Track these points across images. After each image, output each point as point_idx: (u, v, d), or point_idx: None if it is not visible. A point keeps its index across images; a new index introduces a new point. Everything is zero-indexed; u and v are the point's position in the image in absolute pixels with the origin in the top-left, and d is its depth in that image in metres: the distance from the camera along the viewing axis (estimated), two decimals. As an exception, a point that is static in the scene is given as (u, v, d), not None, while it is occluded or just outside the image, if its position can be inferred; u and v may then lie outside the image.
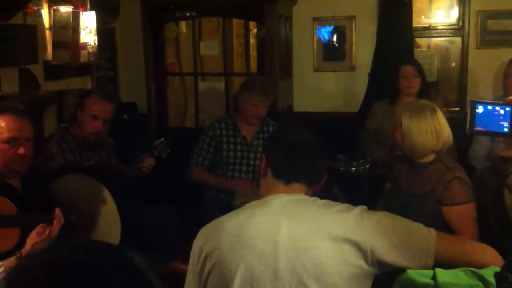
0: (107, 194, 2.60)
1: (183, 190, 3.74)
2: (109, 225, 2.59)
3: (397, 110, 2.87)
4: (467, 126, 1.34)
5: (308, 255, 1.59)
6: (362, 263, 1.59)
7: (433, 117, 2.67)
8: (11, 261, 2.16)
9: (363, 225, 1.61)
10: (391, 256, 1.59)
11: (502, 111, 1.29)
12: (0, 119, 2.34)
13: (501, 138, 2.31)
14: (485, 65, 4.61)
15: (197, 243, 1.74)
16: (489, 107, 1.29)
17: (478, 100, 1.33)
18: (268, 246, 1.62)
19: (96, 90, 4.18)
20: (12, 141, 2.35)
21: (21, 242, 2.24)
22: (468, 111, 1.33)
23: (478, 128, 1.33)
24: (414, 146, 2.68)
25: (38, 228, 2.20)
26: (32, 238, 2.19)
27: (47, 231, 2.20)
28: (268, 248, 1.62)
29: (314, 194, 1.78)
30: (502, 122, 1.29)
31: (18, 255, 2.17)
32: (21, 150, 2.37)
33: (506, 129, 1.31)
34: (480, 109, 1.29)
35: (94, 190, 2.64)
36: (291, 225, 1.63)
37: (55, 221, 2.23)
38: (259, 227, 1.65)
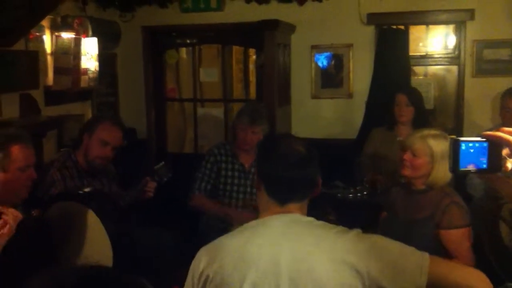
0: (91, 216, 2.57)
1: (181, 216, 3.73)
2: (97, 247, 2.56)
3: (413, 138, 2.78)
4: (451, 165, 1.30)
5: (310, 276, 1.62)
6: (359, 285, 1.62)
7: None
8: None
9: (360, 247, 1.65)
10: (386, 278, 1.62)
11: (480, 147, 1.28)
12: (14, 148, 2.39)
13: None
14: (481, 93, 4.65)
15: (198, 264, 1.73)
16: (470, 144, 1.28)
17: (459, 138, 1.30)
18: (270, 266, 1.65)
19: (108, 116, 4.20)
20: (25, 169, 2.42)
21: None
22: (451, 149, 1.29)
23: (463, 168, 1.30)
24: (444, 172, 2.66)
25: None
26: None
27: (7, 226, 2.16)
28: (270, 269, 1.64)
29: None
30: (481, 158, 1.28)
31: None
32: (34, 175, 2.45)
33: (484, 165, 1.29)
34: (463, 147, 1.27)
35: (77, 212, 2.62)
36: (292, 246, 1.67)
37: (6, 217, 2.17)
38: (261, 248, 1.67)
